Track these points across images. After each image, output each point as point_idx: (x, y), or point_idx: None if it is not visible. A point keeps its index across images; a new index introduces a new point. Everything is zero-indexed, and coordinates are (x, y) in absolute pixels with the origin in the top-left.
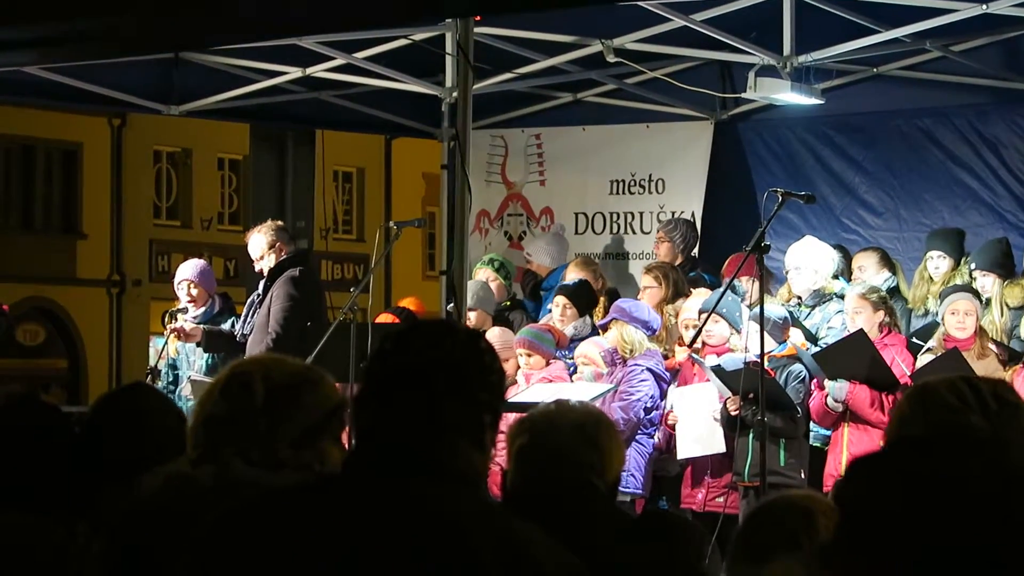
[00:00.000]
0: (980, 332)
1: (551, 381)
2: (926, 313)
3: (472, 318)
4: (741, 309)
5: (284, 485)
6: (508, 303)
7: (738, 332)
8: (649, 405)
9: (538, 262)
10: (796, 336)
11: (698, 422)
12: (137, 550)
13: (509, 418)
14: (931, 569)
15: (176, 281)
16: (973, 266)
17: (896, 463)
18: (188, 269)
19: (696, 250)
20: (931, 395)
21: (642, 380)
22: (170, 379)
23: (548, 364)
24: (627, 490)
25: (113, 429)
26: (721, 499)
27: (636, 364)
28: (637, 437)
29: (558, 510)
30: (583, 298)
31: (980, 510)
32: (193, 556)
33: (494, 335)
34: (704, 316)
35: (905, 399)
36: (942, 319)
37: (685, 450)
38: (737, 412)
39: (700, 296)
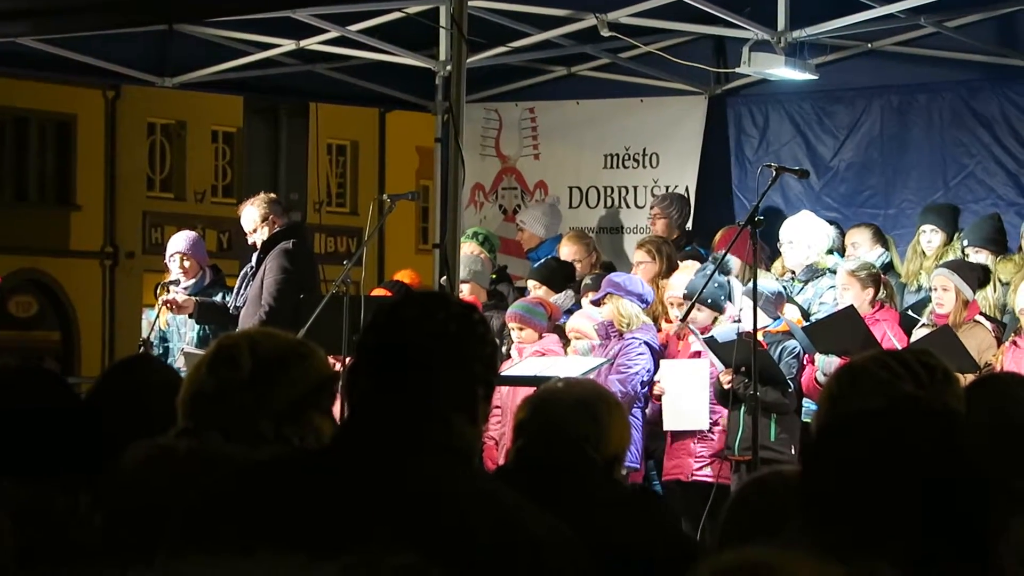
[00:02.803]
0: (963, 307)
1: (544, 355)
2: (919, 288)
3: (465, 291)
4: (727, 290)
5: (270, 458)
6: (494, 275)
7: (721, 314)
8: (646, 379)
9: (531, 231)
10: (791, 312)
11: (685, 396)
12: (120, 520)
13: (502, 391)
14: (892, 536)
15: (168, 254)
16: (966, 243)
17: (856, 436)
18: (179, 241)
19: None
20: (860, 372)
21: (639, 354)
22: (160, 352)
23: (541, 338)
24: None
25: (117, 400)
26: (709, 469)
27: (633, 337)
28: (632, 411)
29: (552, 482)
30: (554, 277)
31: (934, 477)
32: (179, 529)
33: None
34: (688, 304)
35: (834, 379)
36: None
37: (670, 423)
38: (730, 385)
39: (687, 270)
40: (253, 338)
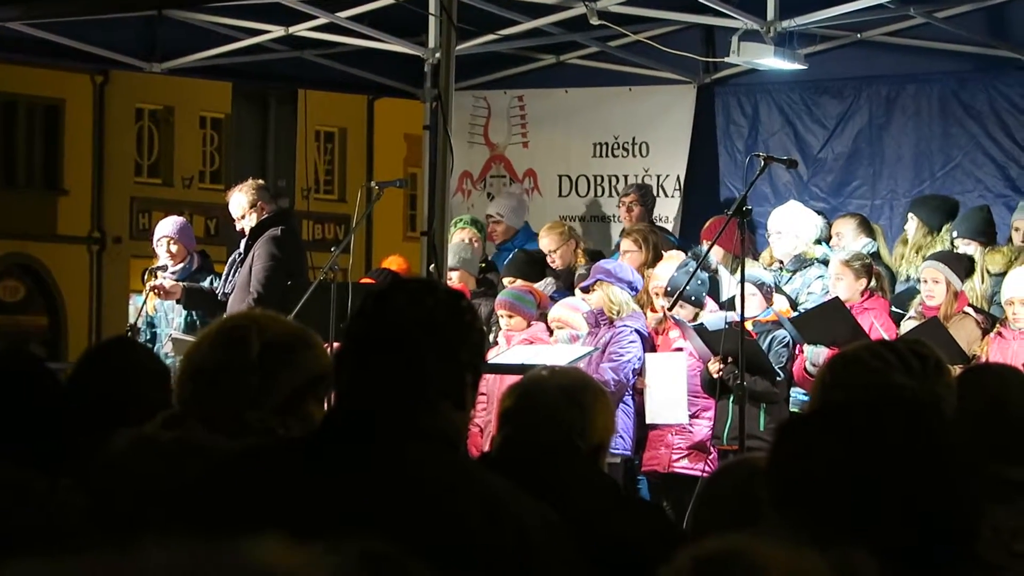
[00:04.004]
0: (954, 299)
1: (532, 343)
2: (907, 279)
3: (454, 278)
4: (707, 286)
5: (253, 446)
6: (483, 264)
7: (702, 309)
8: (637, 366)
9: (508, 223)
10: (780, 302)
11: (664, 390)
12: (104, 506)
13: (488, 378)
14: (858, 527)
15: (155, 238)
16: (955, 234)
17: (820, 428)
18: (167, 226)
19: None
20: (852, 361)
21: (631, 341)
22: (147, 337)
23: (529, 326)
24: (616, 451)
25: (98, 383)
26: (686, 461)
27: (625, 325)
28: (624, 399)
29: (538, 469)
30: (526, 268)
31: (900, 469)
32: (158, 516)
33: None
34: (671, 301)
35: (827, 367)
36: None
37: (652, 416)
38: (719, 374)
39: (672, 260)
40: (261, 321)
